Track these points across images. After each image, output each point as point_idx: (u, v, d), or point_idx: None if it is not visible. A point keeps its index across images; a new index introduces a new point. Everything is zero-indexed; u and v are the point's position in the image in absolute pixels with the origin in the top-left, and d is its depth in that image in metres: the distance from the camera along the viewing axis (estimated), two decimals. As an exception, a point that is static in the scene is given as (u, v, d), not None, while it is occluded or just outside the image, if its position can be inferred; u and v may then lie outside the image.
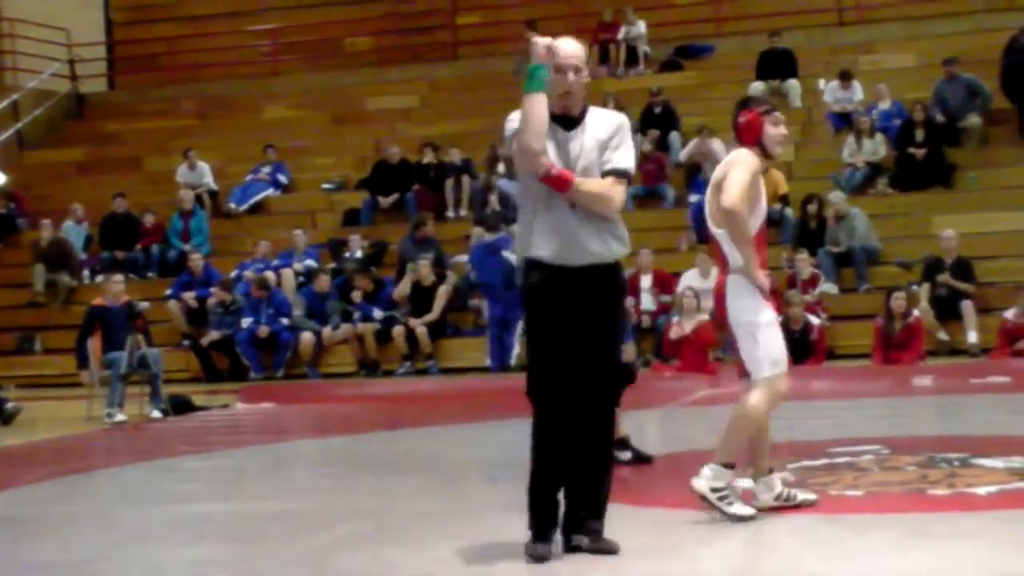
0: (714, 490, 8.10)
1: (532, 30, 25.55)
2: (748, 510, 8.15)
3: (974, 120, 23.56)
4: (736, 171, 8.13)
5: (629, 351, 9.88)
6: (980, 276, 19.87)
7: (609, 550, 7.45)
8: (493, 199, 22.96)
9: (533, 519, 7.48)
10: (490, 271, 21.01)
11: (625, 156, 7.55)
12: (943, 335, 19.30)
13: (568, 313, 7.40)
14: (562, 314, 7.40)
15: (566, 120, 7.52)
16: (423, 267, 21.30)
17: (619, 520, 7.73)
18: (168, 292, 22.69)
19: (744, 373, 8.34)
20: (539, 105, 7.27)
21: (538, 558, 7.39)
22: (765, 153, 8.31)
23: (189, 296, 22.43)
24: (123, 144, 29.87)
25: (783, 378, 8.23)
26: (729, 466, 8.16)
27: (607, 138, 7.53)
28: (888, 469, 9.92)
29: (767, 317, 8.22)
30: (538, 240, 7.43)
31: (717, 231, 8.29)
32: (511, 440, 14.00)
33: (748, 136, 8.27)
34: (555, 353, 7.41)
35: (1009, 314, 18.81)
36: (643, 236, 20.05)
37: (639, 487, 9.72)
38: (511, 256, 20.25)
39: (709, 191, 8.36)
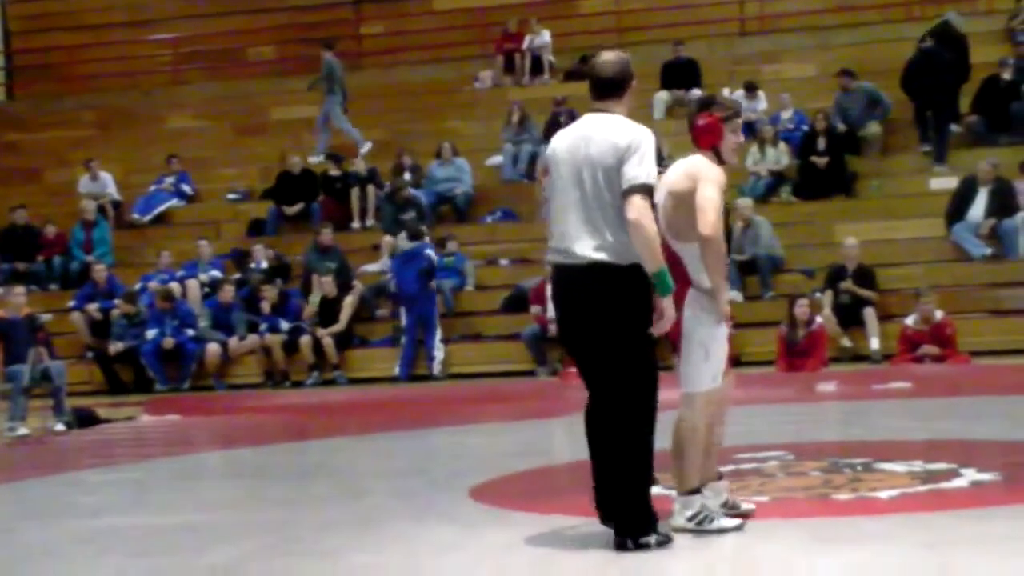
0: (691, 519, 8.01)
1: (328, 49, 25.98)
2: (733, 521, 8.12)
3: (874, 129, 23.83)
4: (708, 189, 7.83)
5: None
6: (881, 283, 20.06)
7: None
8: (411, 212, 23.13)
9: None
10: (408, 279, 21.08)
11: (638, 170, 7.62)
12: (846, 342, 19.46)
13: None
14: None
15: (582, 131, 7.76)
16: (327, 283, 21.36)
17: (520, 527, 7.77)
18: (71, 304, 22.55)
19: None
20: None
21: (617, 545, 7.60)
22: (719, 159, 8.05)
23: (92, 308, 22.26)
24: (22, 155, 29.69)
25: (718, 391, 8.12)
26: (694, 491, 8.06)
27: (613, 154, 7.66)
28: (793, 475, 10.04)
29: (722, 333, 8.06)
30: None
31: (679, 245, 7.98)
32: (417, 450, 14.14)
33: (706, 140, 8.04)
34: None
35: (910, 321, 18.97)
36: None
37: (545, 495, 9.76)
38: (433, 258, 20.54)
39: (666, 199, 7.97)
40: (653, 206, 7.54)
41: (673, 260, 7.83)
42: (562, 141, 7.86)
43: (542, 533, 8.26)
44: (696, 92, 25.74)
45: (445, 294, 21.33)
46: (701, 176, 7.87)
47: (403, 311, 21.27)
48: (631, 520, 7.60)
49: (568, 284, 7.72)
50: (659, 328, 7.56)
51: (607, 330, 7.58)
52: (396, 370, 20.74)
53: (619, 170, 7.49)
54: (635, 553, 7.50)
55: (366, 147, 26.29)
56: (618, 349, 7.59)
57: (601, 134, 7.64)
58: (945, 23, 24.13)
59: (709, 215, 7.74)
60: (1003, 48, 25.05)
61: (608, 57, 7.90)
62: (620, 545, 7.57)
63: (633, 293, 7.54)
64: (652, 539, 7.56)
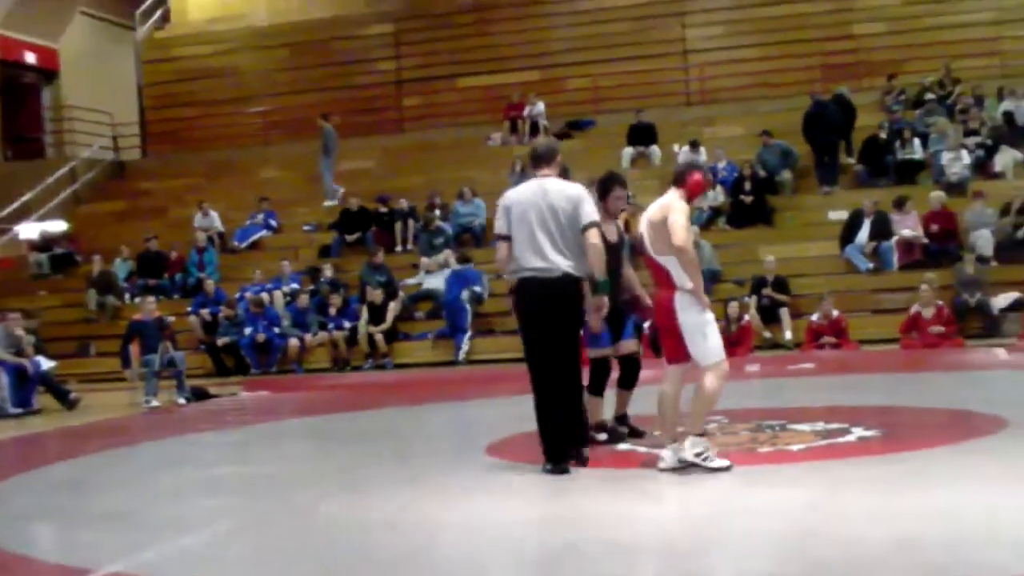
0: (697, 455, 8.20)
1: (325, 120, 26.54)
2: (724, 462, 8.25)
3: (787, 175, 23.83)
4: (675, 216, 8.17)
5: (631, 344, 9.93)
6: (794, 290, 20.06)
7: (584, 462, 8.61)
8: (440, 238, 23.41)
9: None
10: (455, 292, 21.31)
11: (587, 213, 8.59)
12: (767, 334, 19.42)
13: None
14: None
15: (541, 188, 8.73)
16: (377, 293, 21.36)
17: (524, 474, 7.77)
18: (188, 309, 22.54)
19: (674, 360, 8.46)
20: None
21: (551, 471, 8.28)
22: (688, 200, 8.38)
23: (204, 312, 22.25)
24: (153, 198, 29.64)
25: (725, 362, 8.42)
26: (701, 434, 8.30)
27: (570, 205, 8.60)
28: (727, 434, 10.05)
29: (710, 317, 8.35)
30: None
31: (660, 258, 8.26)
32: (447, 418, 14.16)
33: (694, 190, 8.39)
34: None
35: (814, 317, 18.98)
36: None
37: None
38: (484, 286, 21.39)
39: (647, 227, 8.35)
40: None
41: (660, 271, 8.29)
42: (522, 195, 8.75)
43: (540, 479, 8.29)
44: (654, 148, 25.82)
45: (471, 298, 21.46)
46: (671, 208, 8.26)
47: (444, 313, 21.45)
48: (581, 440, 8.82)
49: (545, 287, 8.46)
50: (595, 318, 8.69)
51: (571, 311, 8.53)
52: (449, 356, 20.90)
53: (574, 214, 8.46)
54: (610, 486, 7.53)
55: (339, 193, 26.30)
56: (575, 322, 8.60)
57: (554, 189, 8.61)
58: (838, 94, 24.25)
59: (677, 232, 8.12)
60: (880, 115, 25.08)
61: (542, 140, 9.65)
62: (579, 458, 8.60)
63: (581, 293, 8.55)
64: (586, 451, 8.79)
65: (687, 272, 8.20)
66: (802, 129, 23.47)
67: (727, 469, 8.19)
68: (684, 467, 8.22)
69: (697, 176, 8.43)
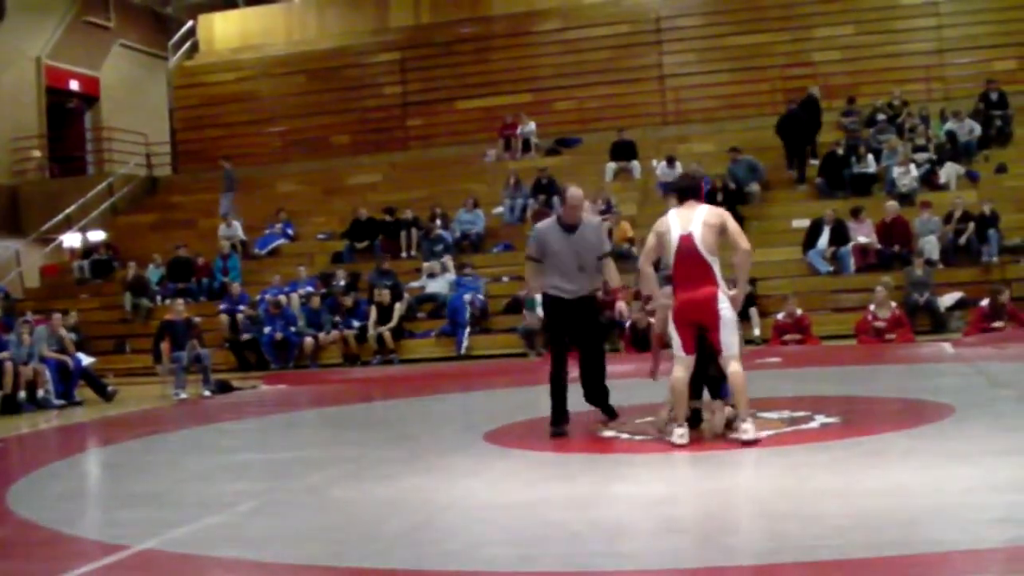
0: (743, 432, 8.40)
1: (227, 160, 27.43)
2: (761, 434, 8.56)
3: (755, 187, 23.84)
4: (733, 223, 8.58)
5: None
6: (761, 291, 20.07)
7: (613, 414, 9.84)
8: (440, 245, 23.48)
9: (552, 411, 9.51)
10: (458, 296, 21.34)
11: (607, 244, 9.83)
12: (737, 330, 19.46)
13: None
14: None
15: (570, 227, 9.55)
16: (384, 295, 21.34)
17: (518, 460, 7.76)
18: (220, 308, 22.55)
19: (691, 351, 8.68)
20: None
21: (556, 434, 9.33)
22: None
23: (228, 313, 22.31)
24: (183, 211, 29.66)
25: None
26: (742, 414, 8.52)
27: (596, 239, 9.67)
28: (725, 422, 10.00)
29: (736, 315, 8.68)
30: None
31: (710, 258, 8.48)
32: (448, 407, 14.14)
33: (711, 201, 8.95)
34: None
35: (780, 316, 18.97)
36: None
37: (534, 438, 9.76)
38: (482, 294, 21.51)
39: (703, 228, 8.49)
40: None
41: (706, 268, 8.50)
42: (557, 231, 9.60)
43: (533, 464, 8.27)
44: (634, 163, 25.81)
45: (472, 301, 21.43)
46: (729, 218, 8.65)
47: (446, 312, 21.47)
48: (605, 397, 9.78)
49: (578, 302, 9.55)
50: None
51: (595, 319, 9.85)
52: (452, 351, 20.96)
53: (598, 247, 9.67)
54: (595, 469, 7.50)
55: (236, 223, 26.21)
56: (598, 327, 9.92)
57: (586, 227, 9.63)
58: (809, 95, 24.72)
59: (744, 238, 8.56)
60: (838, 133, 25.11)
61: (574, 191, 9.57)
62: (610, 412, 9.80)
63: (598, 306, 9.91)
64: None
65: (743, 270, 8.59)
66: (776, 129, 23.96)
67: (758, 441, 8.41)
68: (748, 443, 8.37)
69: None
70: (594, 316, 9.83)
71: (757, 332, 19.31)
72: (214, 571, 5.78)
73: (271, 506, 7.38)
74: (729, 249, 8.64)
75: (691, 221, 8.54)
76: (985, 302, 18.32)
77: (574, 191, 9.61)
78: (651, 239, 8.87)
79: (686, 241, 8.50)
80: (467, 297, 21.05)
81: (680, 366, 8.61)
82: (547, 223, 9.78)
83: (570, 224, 9.57)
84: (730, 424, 8.82)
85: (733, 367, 8.50)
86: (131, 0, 33.46)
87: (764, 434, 8.56)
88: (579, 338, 9.60)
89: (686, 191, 8.85)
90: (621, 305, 10.28)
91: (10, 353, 17.17)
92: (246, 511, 7.14)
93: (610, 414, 9.83)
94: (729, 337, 8.52)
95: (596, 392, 9.71)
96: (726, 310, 8.48)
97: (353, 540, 6.18)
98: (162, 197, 31.00)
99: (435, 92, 30.69)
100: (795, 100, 24.80)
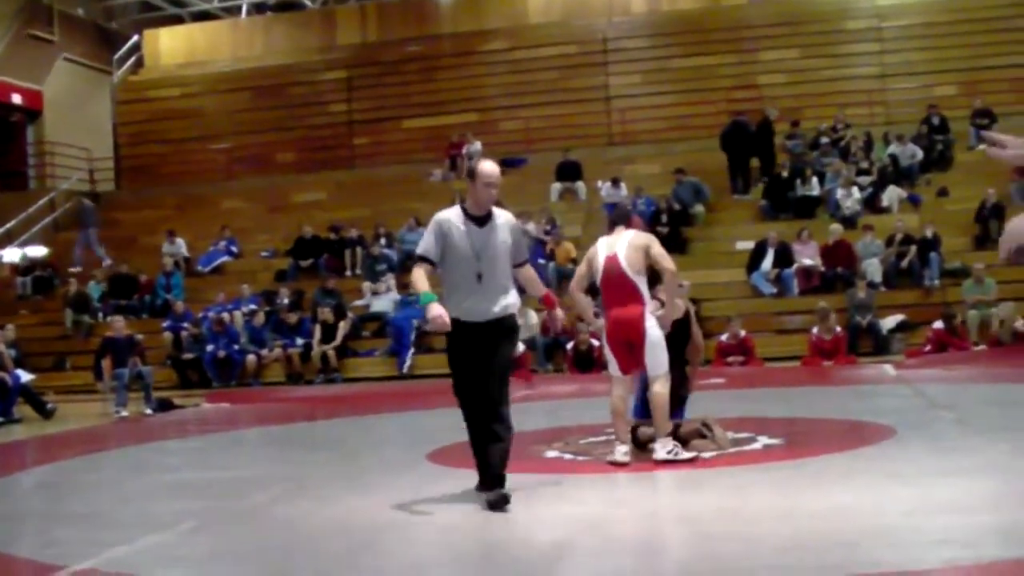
0: (668, 452, 8.54)
1: (87, 198, 27.65)
2: (691, 453, 8.71)
3: (699, 209, 24.00)
4: (658, 247, 8.72)
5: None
6: (705, 312, 20.09)
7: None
8: (383, 264, 23.43)
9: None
10: (401, 316, 21.36)
11: (526, 250, 7.67)
12: (681, 351, 19.52)
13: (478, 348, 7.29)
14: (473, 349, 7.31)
15: (479, 219, 7.30)
16: (327, 313, 21.31)
17: (461, 480, 7.75)
18: (164, 325, 22.37)
19: (628, 371, 8.82)
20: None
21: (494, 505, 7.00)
22: None
23: (172, 330, 22.14)
24: (125, 227, 29.38)
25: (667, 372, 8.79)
26: (669, 434, 8.68)
27: (511, 239, 7.38)
28: (648, 440, 10.02)
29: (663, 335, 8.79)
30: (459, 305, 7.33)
31: (637, 279, 8.66)
32: (391, 427, 14.09)
33: (641, 227, 9.34)
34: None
35: (723, 337, 19.08)
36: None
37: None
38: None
39: (628, 249, 8.68)
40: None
41: (632, 288, 8.65)
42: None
43: (475, 484, 8.24)
44: (580, 184, 25.89)
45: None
46: (654, 241, 8.83)
47: (390, 331, 21.42)
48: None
49: (494, 326, 7.38)
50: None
51: (509, 350, 7.49)
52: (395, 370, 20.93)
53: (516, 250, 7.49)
54: (538, 491, 7.50)
55: (107, 262, 26.23)
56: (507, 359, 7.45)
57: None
58: (765, 117, 24.92)
59: (668, 259, 8.74)
60: (783, 156, 25.34)
61: (490, 166, 7.41)
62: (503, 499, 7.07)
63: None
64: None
65: (670, 290, 8.84)
66: (720, 143, 24.20)
67: (695, 458, 8.61)
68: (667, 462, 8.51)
69: (636, 219, 9.30)
70: (509, 346, 7.45)
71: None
72: (152, 592, 5.72)
73: (212, 525, 7.31)
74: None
75: (616, 244, 8.83)
76: (939, 324, 18.55)
77: (490, 166, 7.31)
78: (582, 266, 9.14)
79: (611, 261, 8.76)
80: (416, 322, 20.92)
81: (618, 386, 8.73)
82: (450, 211, 7.40)
83: (480, 215, 7.29)
84: (649, 442, 8.91)
85: (656, 388, 8.65)
86: (75, 14, 33.14)
87: (687, 455, 8.63)
88: (484, 369, 7.24)
89: (616, 220, 9.18)
90: (559, 312, 8.15)
91: (-53, 369, 16.96)
92: (186, 530, 7.07)
93: (489, 485, 7.23)
94: (656, 357, 8.66)
95: (487, 447, 7.26)
96: (652, 329, 8.65)
97: (294, 560, 6.15)
98: (105, 214, 30.61)
99: (381, 111, 30.66)
100: (742, 112, 24.92)
